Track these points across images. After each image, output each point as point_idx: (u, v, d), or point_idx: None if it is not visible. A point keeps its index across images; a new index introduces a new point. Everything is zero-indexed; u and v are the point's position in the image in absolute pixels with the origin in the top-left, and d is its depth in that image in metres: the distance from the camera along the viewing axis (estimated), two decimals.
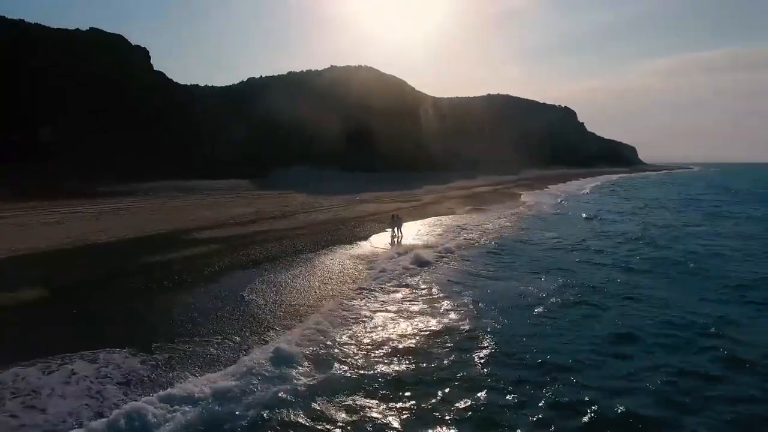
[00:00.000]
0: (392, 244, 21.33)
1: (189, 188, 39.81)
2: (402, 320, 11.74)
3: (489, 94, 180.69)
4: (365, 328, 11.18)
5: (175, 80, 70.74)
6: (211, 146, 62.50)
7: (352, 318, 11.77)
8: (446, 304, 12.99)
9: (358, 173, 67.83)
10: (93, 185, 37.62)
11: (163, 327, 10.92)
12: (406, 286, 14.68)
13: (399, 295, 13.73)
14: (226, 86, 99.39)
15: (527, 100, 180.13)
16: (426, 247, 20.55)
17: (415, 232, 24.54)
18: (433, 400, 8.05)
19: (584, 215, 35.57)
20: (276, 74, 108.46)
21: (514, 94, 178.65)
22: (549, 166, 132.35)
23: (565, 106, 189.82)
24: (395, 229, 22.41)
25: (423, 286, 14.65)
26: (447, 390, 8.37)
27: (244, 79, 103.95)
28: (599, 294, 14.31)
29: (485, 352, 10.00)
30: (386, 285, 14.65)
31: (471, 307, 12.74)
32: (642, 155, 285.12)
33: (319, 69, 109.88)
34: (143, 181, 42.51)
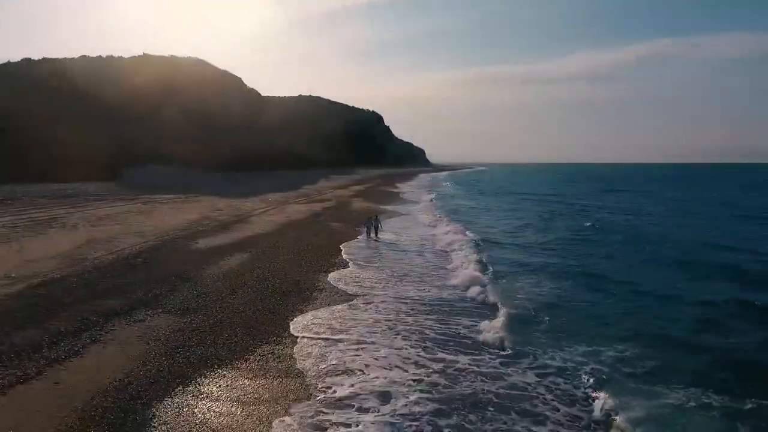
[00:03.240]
0: (368, 239, 23.15)
1: (60, 194, 32.64)
2: None
3: (301, 95, 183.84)
4: None
5: None
6: (27, 143, 50.62)
7: None
8: None
9: (215, 173, 63.42)
10: None
11: None
12: None
13: None
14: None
15: (339, 102, 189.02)
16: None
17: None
18: None
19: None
20: (65, 57, 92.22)
21: (323, 95, 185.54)
22: (370, 166, 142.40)
23: (373, 111, 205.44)
24: (372, 229, 24.09)
25: None
26: None
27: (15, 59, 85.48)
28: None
29: None
30: None
31: None
32: (427, 156, 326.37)
33: (126, 56, 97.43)
34: None
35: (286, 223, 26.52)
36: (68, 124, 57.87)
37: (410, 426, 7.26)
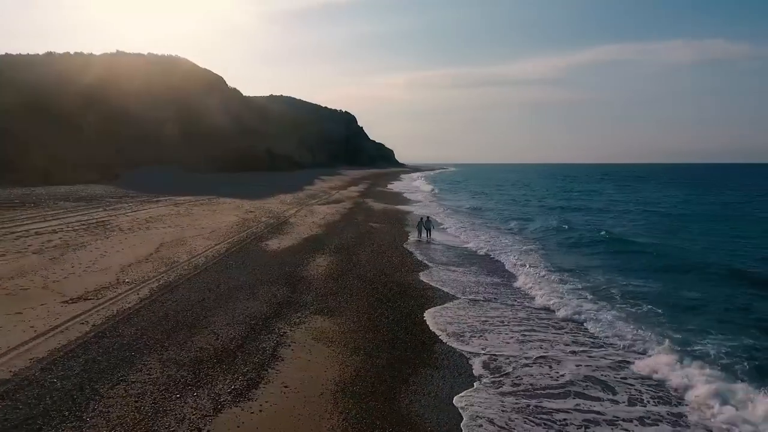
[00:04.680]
0: (419, 240, 23.37)
1: (76, 196, 31.21)
2: None
3: (272, 95, 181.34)
4: None
5: None
6: (18, 144, 48.02)
7: None
8: None
9: (208, 174, 61.91)
10: None
11: None
12: None
13: None
14: None
15: (313, 103, 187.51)
16: None
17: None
18: None
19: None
20: (28, 53, 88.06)
21: (288, 94, 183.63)
22: (348, 166, 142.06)
23: (347, 111, 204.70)
24: (423, 231, 24.22)
25: None
26: None
27: None
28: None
29: None
30: None
31: None
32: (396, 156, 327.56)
33: (97, 53, 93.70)
34: None
35: (327, 224, 26.44)
36: (52, 125, 55.27)
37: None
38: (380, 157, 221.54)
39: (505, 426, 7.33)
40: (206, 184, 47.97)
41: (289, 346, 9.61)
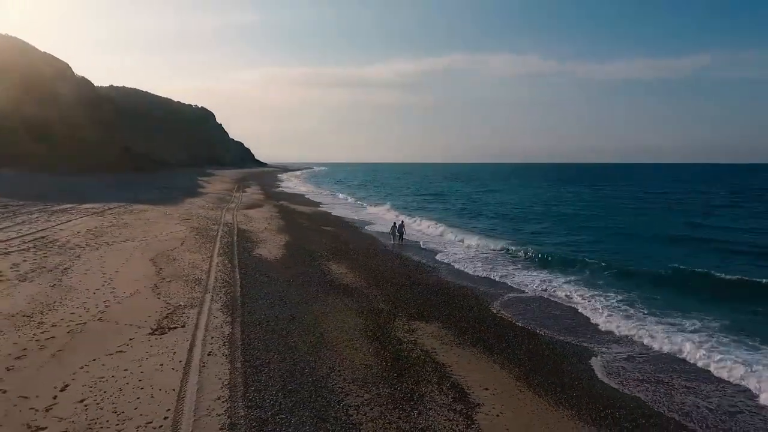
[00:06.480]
0: (393, 244, 24.53)
1: None
2: None
3: (113, 86, 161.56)
4: None
5: None
6: None
7: None
8: None
9: (76, 177, 53.22)
10: None
11: None
12: None
13: None
14: None
15: (164, 97, 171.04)
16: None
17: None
18: None
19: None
20: None
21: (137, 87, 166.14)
22: (214, 166, 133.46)
23: (203, 107, 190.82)
24: (397, 235, 25.23)
25: None
26: None
27: None
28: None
29: None
30: None
31: None
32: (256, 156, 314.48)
33: None
34: None
35: (283, 230, 25.54)
36: None
37: None
38: (243, 156, 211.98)
39: (653, 379, 9.17)
40: (85, 190, 41.54)
41: (435, 352, 9.82)
